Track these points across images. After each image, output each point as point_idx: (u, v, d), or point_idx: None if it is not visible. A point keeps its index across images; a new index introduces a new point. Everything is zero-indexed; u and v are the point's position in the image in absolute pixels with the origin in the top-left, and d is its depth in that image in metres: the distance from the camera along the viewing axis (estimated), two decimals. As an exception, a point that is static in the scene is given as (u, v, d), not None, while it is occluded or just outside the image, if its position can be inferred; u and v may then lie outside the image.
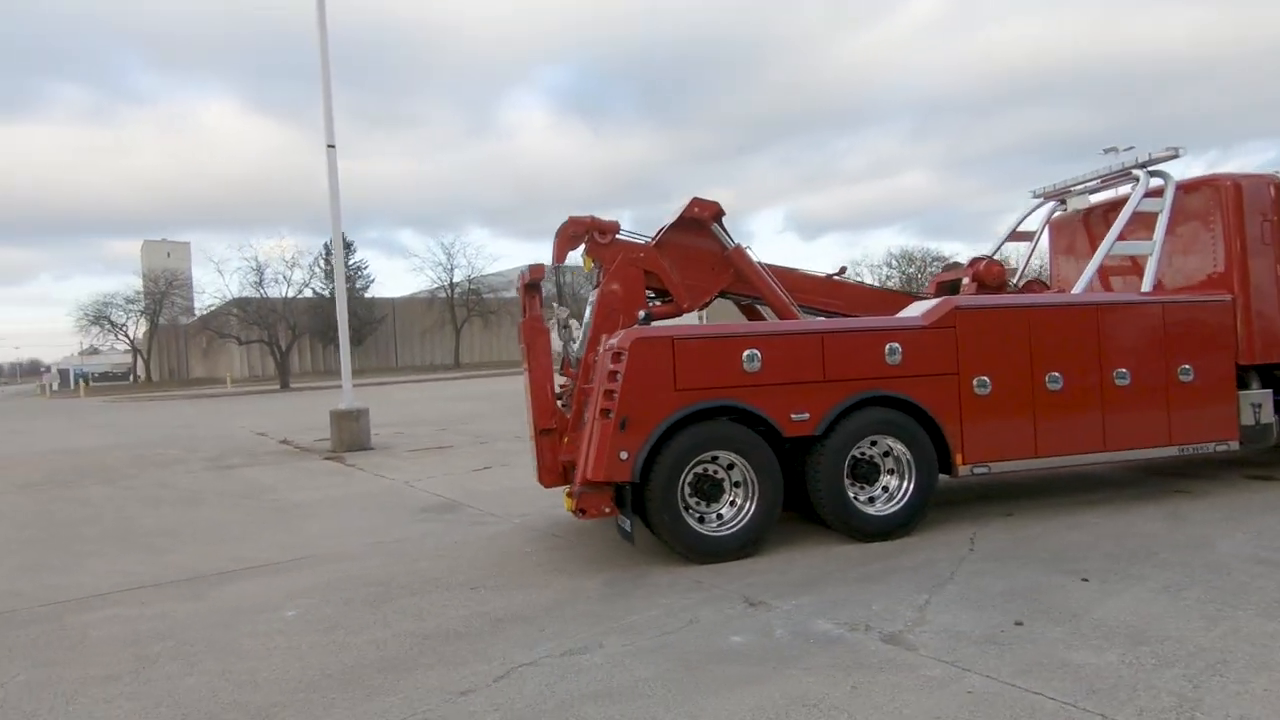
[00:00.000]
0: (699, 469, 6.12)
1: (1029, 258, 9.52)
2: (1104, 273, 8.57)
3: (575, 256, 7.02)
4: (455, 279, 73.22)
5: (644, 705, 3.62)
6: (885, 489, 6.53)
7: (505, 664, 4.18)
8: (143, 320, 74.61)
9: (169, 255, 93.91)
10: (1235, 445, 7.38)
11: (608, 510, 5.94)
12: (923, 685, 3.71)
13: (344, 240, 76.53)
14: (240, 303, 56.28)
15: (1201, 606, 4.55)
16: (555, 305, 6.99)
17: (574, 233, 6.87)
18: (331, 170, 15.44)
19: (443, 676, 4.07)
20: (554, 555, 6.46)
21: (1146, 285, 7.57)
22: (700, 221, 6.97)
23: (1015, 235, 9.46)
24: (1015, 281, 8.50)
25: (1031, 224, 9.46)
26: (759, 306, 7.50)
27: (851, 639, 4.32)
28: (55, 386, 71.36)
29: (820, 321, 6.74)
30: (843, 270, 7.66)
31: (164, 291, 71.48)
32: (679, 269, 7.08)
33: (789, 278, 7.45)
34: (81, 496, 10.86)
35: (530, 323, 6.71)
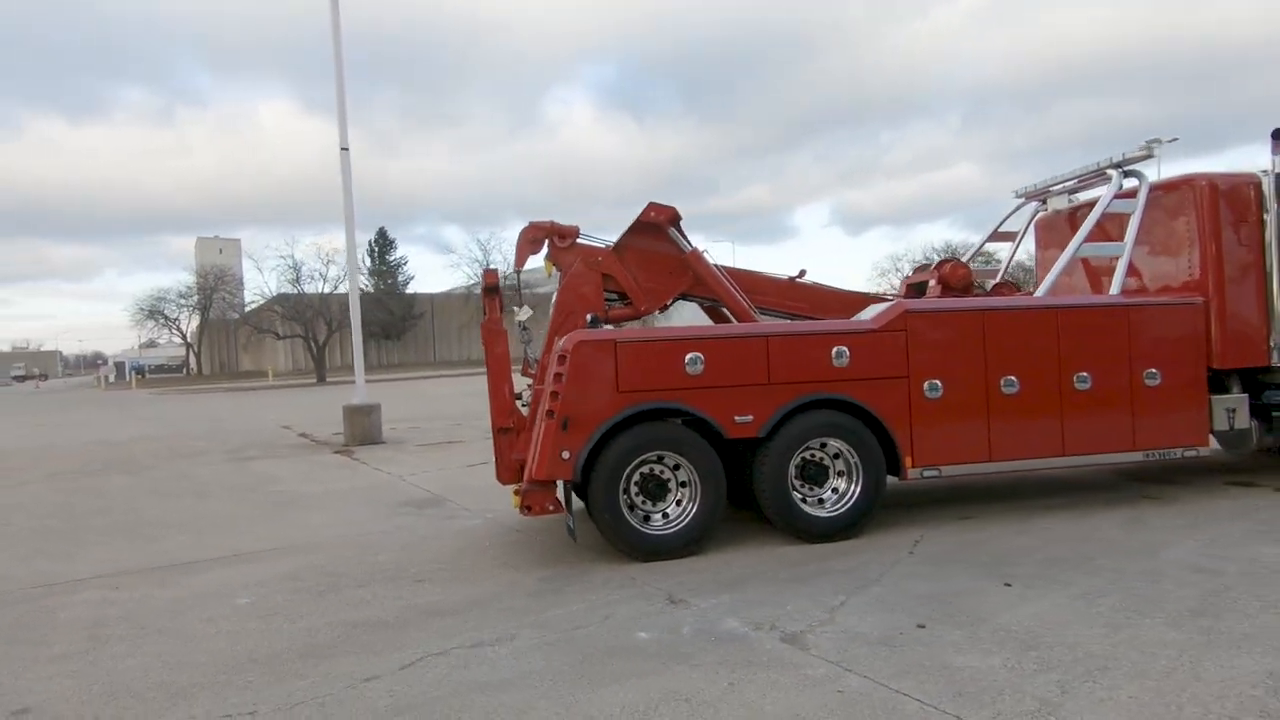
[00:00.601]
0: (645, 469, 6.28)
1: (1010, 258, 9.42)
2: (1093, 274, 8.47)
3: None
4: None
5: (526, 695, 3.82)
6: (835, 490, 6.60)
7: (417, 653, 4.42)
8: (195, 315, 77.35)
9: (220, 252, 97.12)
10: (1205, 451, 7.25)
11: (552, 508, 6.13)
12: (799, 684, 3.83)
13: (385, 237, 77.64)
14: (281, 299, 57.97)
15: (1111, 614, 4.56)
16: (516, 308, 7.19)
17: (534, 237, 7.08)
18: (345, 172, 15.91)
19: (356, 663, 4.33)
20: (508, 550, 6.69)
21: (1115, 288, 7.48)
22: (658, 226, 7.11)
23: (997, 235, 9.38)
24: (985, 282, 8.42)
25: (1014, 224, 9.36)
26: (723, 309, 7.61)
27: (752, 638, 4.44)
28: (112, 379, 74.43)
29: (765, 325, 6.83)
30: (802, 273, 7.71)
31: (214, 287, 73.92)
32: (638, 272, 7.23)
33: (749, 280, 7.54)
34: (102, 487, 11.48)
35: (489, 325, 6.94)
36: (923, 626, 4.49)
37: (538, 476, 6.04)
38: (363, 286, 67.03)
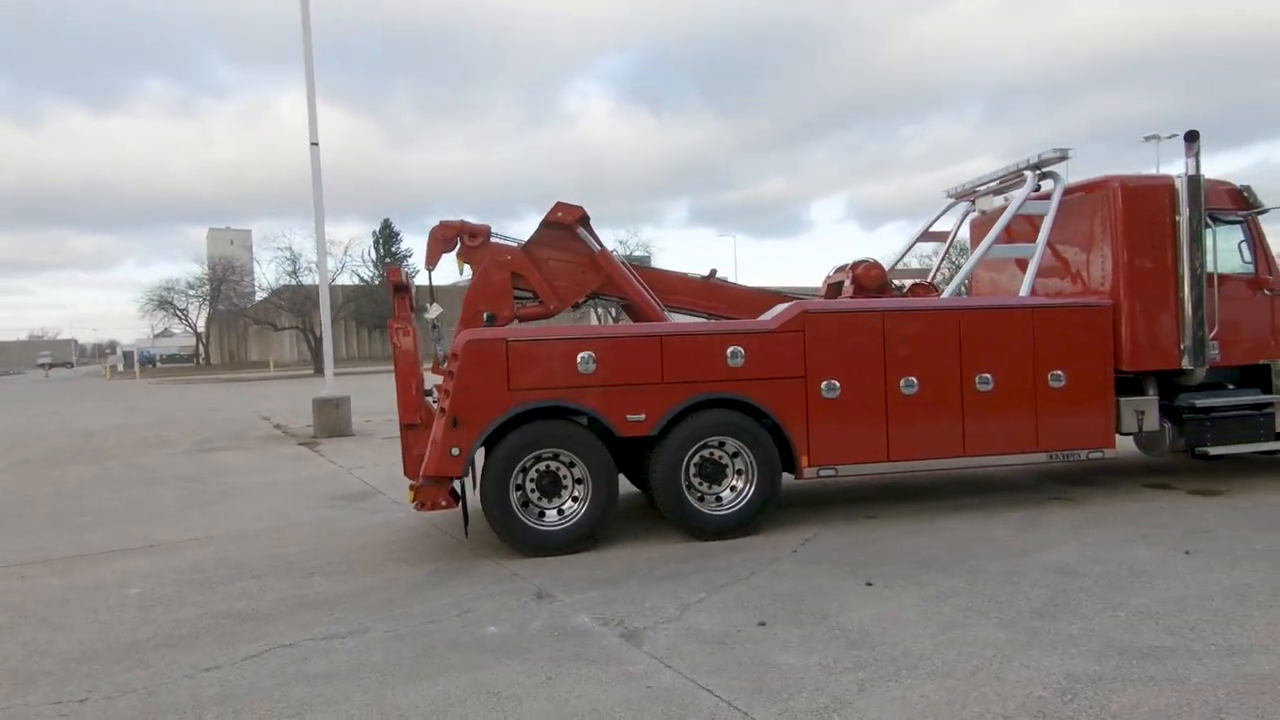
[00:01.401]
0: (542, 465, 6.38)
1: (942, 259, 9.43)
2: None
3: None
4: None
5: (345, 687, 3.93)
6: (734, 489, 6.68)
7: (268, 645, 4.55)
8: (205, 306, 78.10)
9: (231, 243, 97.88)
10: (1111, 452, 7.26)
11: (444, 504, 6.26)
12: (613, 679, 3.92)
13: (389, 229, 77.66)
14: (281, 291, 58.42)
15: (952, 614, 4.62)
16: (428, 305, 7.30)
17: (444, 235, 7.18)
18: (315, 167, 16.05)
19: (206, 654, 4.46)
20: (413, 545, 6.81)
21: (1024, 289, 7.50)
22: (567, 226, 7.19)
23: (928, 235, 9.39)
24: (901, 284, 8.44)
25: (945, 224, 9.37)
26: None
27: (595, 633, 4.54)
28: (121, 368, 75.29)
29: (659, 325, 6.89)
30: (713, 272, 7.77)
31: (222, 278, 74.56)
32: (549, 272, 7.32)
33: (661, 280, 7.62)
34: (59, 476, 11.70)
35: (396, 323, 7.05)
36: (763, 624, 4.57)
37: (428, 472, 6.16)
38: (365, 278, 67.54)
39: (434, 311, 7.22)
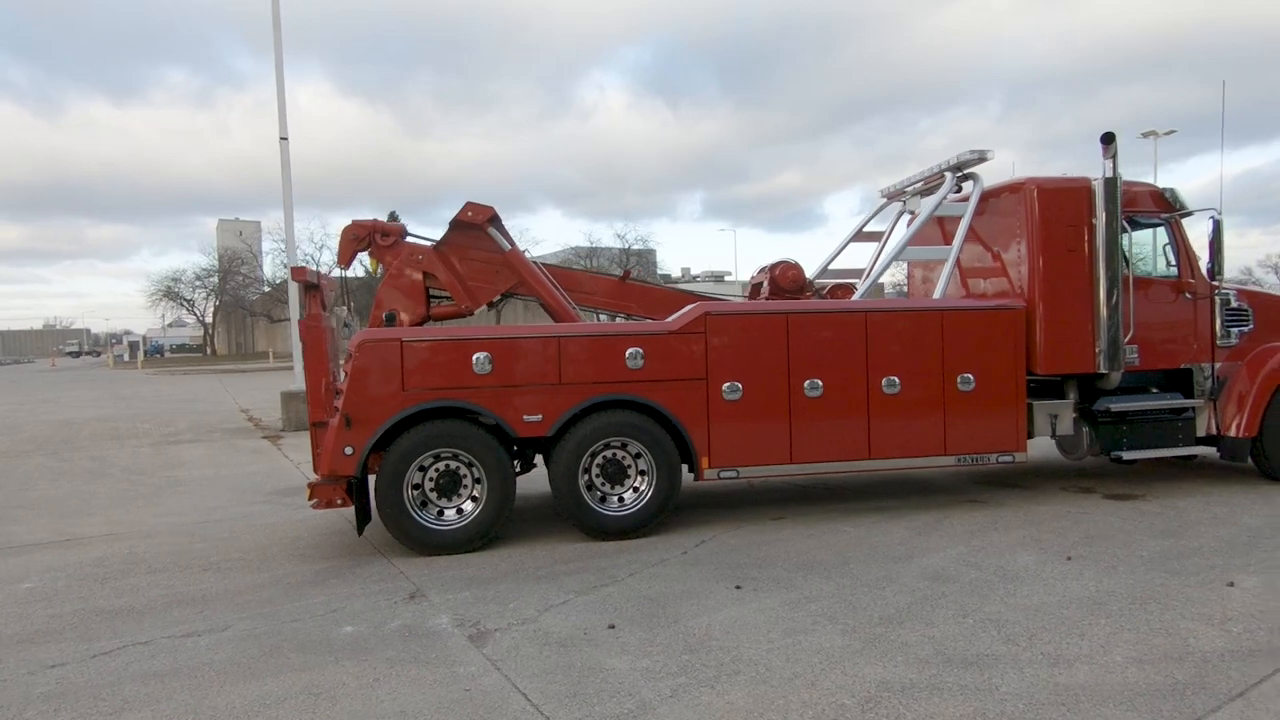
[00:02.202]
0: (441, 465, 6.43)
1: (875, 259, 9.37)
2: (964, 276, 8.40)
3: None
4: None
5: (175, 686, 4.00)
6: (636, 489, 6.70)
7: (123, 641, 4.62)
8: (213, 296, 78.67)
9: (240, 234, 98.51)
10: (1022, 457, 7.23)
11: (340, 502, 6.31)
12: (438, 681, 3.97)
13: (394, 221, 79.13)
14: (284, 283, 58.79)
15: (801, 619, 4.63)
16: (340, 303, 7.35)
17: (357, 235, 7.22)
18: (285, 162, 16.13)
19: (60, 650, 4.54)
20: (318, 542, 6.88)
21: (938, 291, 7.47)
22: (477, 225, 7.21)
23: (862, 235, 9.34)
24: (824, 283, 8.41)
25: (879, 224, 9.33)
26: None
27: (445, 635, 4.59)
28: (127, 358, 75.97)
29: (557, 326, 6.91)
30: (628, 273, 7.78)
31: (227, 269, 75.02)
32: (463, 271, 7.35)
33: (575, 280, 7.65)
34: (15, 468, 11.86)
35: (307, 322, 7.09)
36: (613, 627, 4.60)
37: (321, 471, 6.23)
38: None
39: (341, 311, 7.26)
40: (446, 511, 6.45)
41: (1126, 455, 7.52)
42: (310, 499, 6.33)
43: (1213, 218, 7.49)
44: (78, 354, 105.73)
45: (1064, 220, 7.36)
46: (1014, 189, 7.57)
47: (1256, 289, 8.76)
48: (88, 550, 6.88)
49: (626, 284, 7.76)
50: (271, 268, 59.60)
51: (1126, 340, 7.33)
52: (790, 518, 7.14)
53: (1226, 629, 4.32)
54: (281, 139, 16.15)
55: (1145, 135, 35.68)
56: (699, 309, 6.76)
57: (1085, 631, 4.33)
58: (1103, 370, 7.36)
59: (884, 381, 6.93)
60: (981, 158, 7.60)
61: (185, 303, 78.67)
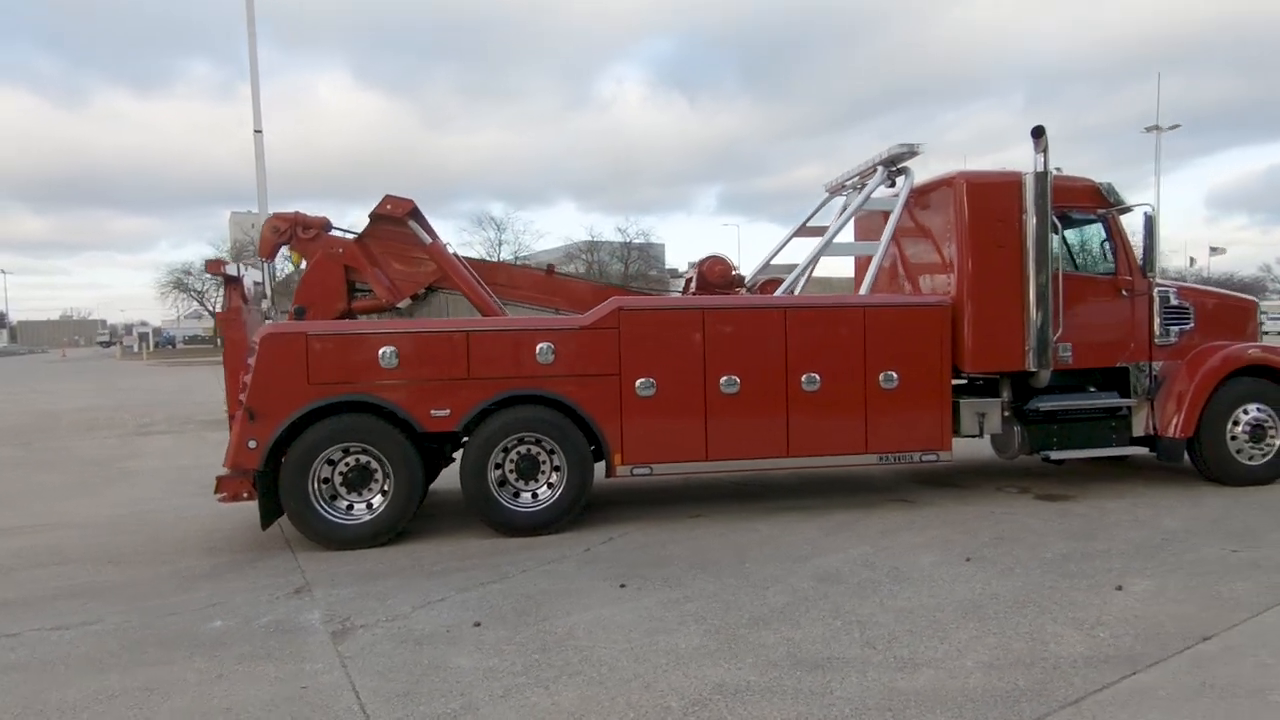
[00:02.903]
0: (351, 459, 6.40)
1: (818, 253, 9.23)
2: (912, 273, 8.28)
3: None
4: (503, 255, 74.63)
5: (18, 680, 4.00)
6: (551, 485, 6.65)
7: (-8, 634, 4.63)
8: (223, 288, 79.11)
9: (253, 226, 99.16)
10: (946, 456, 7.12)
11: (246, 495, 6.30)
12: (279, 678, 3.94)
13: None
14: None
15: (671, 619, 4.57)
16: (265, 298, 7.33)
17: (278, 227, 7.19)
18: (259, 155, 16.20)
19: (-72, 641, 4.55)
20: (233, 536, 6.85)
21: (864, 288, 7.37)
22: (396, 218, 7.17)
23: (805, 230, 9.20)
24: (755, 279, 8.29)
25: (823, 218, 9.19)
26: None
27: (309, 631, 4.57)
28: (135, 349, 76.76)
29: (466, 320, 6.86)
30: (550, 268, 7.72)
31: (236, 261, 75.28)
32: (387, 264, 7.31)
33: (500, 274, 7.60)
34: (-20, 457, 11.98)
35: (227, 314, 7.09)
36: (479, 625, 4.57)
37: (226, 464, 6.22)
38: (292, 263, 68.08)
39: (265, 304, 7.25)
40: (356, 506, 6.43)
41: (1054, 455, 7.40)
42: (217, 492, 6.33)
43: (1145, 213, 7.33)
44: (108, 344, 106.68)
45: (993, 215, 7.22)
46: (945, 183, 7.44)
47: (1198, 287, 8.59)
48: (11, 541, 6.91)
49: (553, 278, 7.71)
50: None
51: (1056, 338, 7.19)
52: (709, 515, 7.07)
53: (1093, 634, 4.22)
54: (256, 132, 16.23)
55: (1149, 130, 35.15)
56: (611, 303, 6.69)
57: (949, 635, 4.24)
58: (1031, 369, 7.23)
59: (803, 378, 6.83)
60: (912, 151, 7.48)
61: (195, 294, 79.35)
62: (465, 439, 6.53)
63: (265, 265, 7.26)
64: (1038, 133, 7.11)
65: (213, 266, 6.99)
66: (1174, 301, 7.74)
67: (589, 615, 4.68)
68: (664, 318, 6.74)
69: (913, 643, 4.16)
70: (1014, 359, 7.24)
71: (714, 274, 7.63)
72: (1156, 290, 7.66)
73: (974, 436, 7.37)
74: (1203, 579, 5.03)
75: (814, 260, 7.57)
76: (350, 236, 7.30)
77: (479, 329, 6.51)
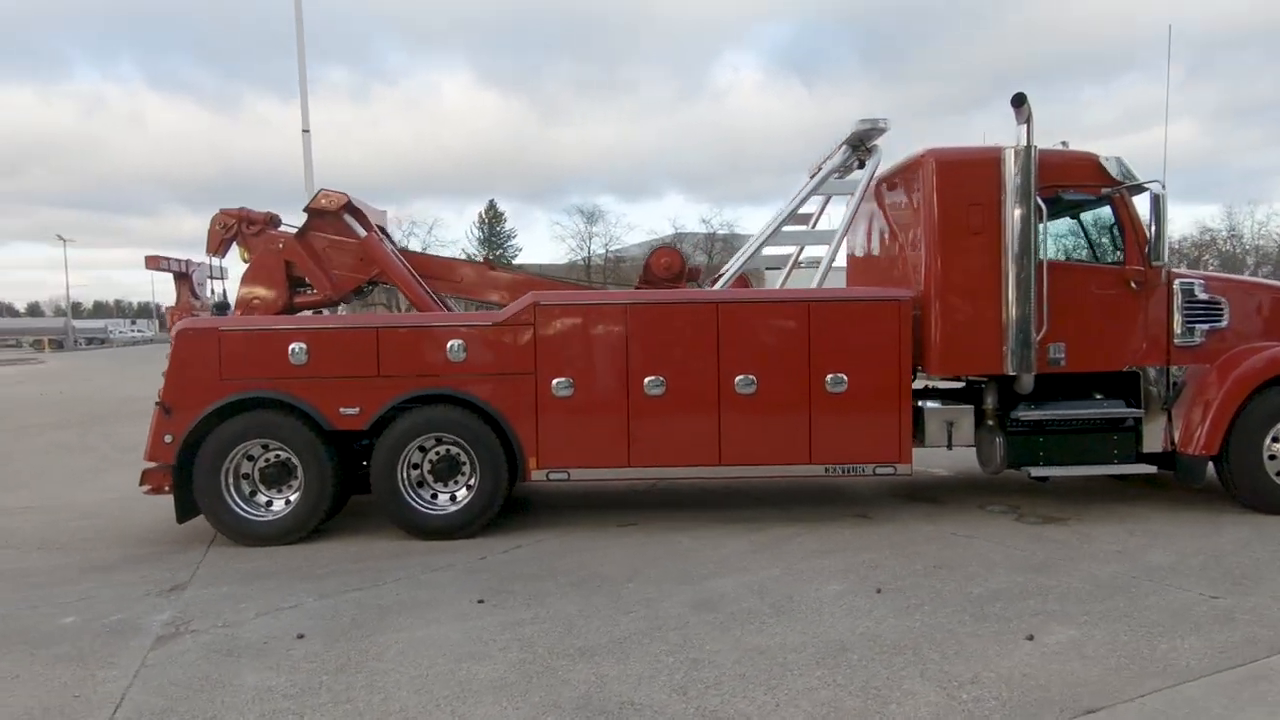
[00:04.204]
0: (272, 455, 6.37)
1: (759, 245, 8.45)
2: (903, 266, 7.52)
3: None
4: (593, 248, 75.10)
5: None
6: (470, 488, 6.39)
7: None
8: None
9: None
10: (905, 469, 6.35)
11: (167, 489, 6.37)
12: (66, 684, 3.87)
13: (494, 209, 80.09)
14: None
15: (498, 643, 4.21)
16: (213, 293, 7.42)
17: (224, 223, 7.25)
18: (306, 154, 16.73)
19: None
20: (171, 529, 6.82)
21: (817, 279, 6.68)
22: (332, 213, 7.07)
23: (793, 218, 8.48)
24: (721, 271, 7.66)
25: (811, 205, 8.45)
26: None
27: (139, 633, 4.50)
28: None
29: (376, 316, 6.69)
30: (486, 258, 7.42)
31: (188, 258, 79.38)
32: (326, 260, 7.24)
33: (440, 267, 7.39)
34: (24, 442, 12.92)
35: (177, 310, 7.22)
36: (301, 637, 4.36)
37: (145, 457, 6.30)
38: (470, 256, 70.41)
39: (213, 299, 7.33)
40: (275, 503, 6.40)
41: (1035, 472, 6.48)
42: (142, 484, 6.43)
43: (1153, 192, 6.25)
44: None
45: (968, 198, 6.35)
46: (912, 164, 6.62)
47: (1237, 278, 7.31)
48: (-18, 522, 7.31)
49: (493, 272, 7.43)
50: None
51: (1040, 337, 6.26)
52: (644, 524, 6.61)
53: (953, 695, 3.54)
54: (304, 131, 16.75)
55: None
56: (528, 299, 6.34)
57: (782, 684, 3.67)
58: (1010, 372, 6.34)
59: (738, 380, 6.25)
60: (876, 127, 6.70)
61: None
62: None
63: (211, 260, 7.33)
64: (1018, 101, 6.19)
65: (152, 262, 7.13)
66: (1201, 295, 6.59)
67: (419, 634, 4.37)
68: (583, 313, 6.31)
69: (735, 690, 3.62)
70: (989, 361, 6.37)
71: (659, 266, 7.12)
72: (1178, 283, 6.55)
73: (942, 448, 6.54)
74: (1144, 632, 4.18)
75: (757, 249, 6.92)
76: (290, 232, 7.28)
77: (388, 325, 6.32)
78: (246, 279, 7.22)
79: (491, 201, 77.76)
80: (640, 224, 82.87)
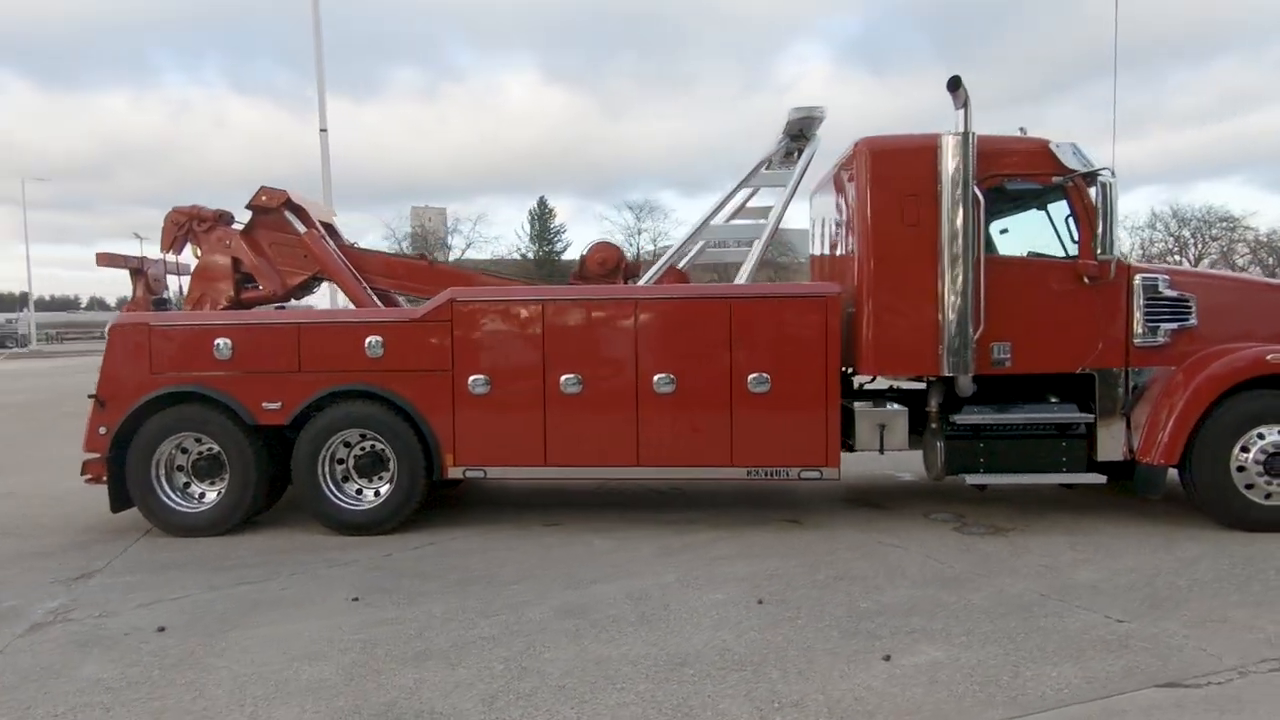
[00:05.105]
0: (204, 447, 6.50)
1: (690, 238, 8.15)
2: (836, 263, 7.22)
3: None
4: (640, 243, 75.01)
5: None
6: (393, 482, 6.39)
7: None
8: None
9: (429, 220, 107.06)
10: (832, 473, 6.06)
11: (104, 478, 6.56)
12: (-81, 668, 3.99)
13: (544, 205, 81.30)
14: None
15: (338, 644, 4.18)
16: (166, 289, 7.61)
17: (177, 221, 7.43)
18: (324, 152, 17.13)
19: None
20: (105, 519, 6.90)
21: (743, 275, 6.44)
22: (272, 210, 7.17)
23: (747, 211, 8.21)
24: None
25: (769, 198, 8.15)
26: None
27: (23, 620, 4.62)
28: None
29: (299, 313, 6.69)
30: (422, 257, 7.40)
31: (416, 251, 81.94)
32: (273, 256, 7.35)
33: (381, 264, 7.42)
34: (46, 427, 13.58)
35: (132, 305, 7.44)
36: (161, 630, 4.42)
37: (83, 449, 6.50)
38: (521, 253, 71.24)
39: (168, 294, 7.53)
40: (209, 495, 6.53)
41: (971, 480, 6.09)
42: (83, 474, 6.64)
43: (1100, 180, 5.78)
44: None
45: (903, 188, 6.01)
46: (852, 154, 6.30)
47: (1210, 272, 6.73)
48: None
49: (435, 268, 7.41)
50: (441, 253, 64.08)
51: (977, 336, 5.88)
52: (568, 524, 6.50)
53: (767, 717, 3.32)
54: (321, 130, 17.14)
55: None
56: (445, 295, 6.29)
57: (594, 699, 3.52)
58: (946, 373, 5.98)
59: (656, 379, 6.07)
60: (811, 115, 6.41)
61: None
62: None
63: (165, 257, 7.52)
64: (954, 85, 5.82)
65: (104, 259, 7.36)
66: (1166, 291, 6.08)
67: (275, 630, 4.37)
68: (500, 310, 6.23)
69: (543, 703, 3.49)
70: (925, 362, 6.02)
71: (593, 262, 6.97)
72: (1140, 278, 6.06)
73: (874, 452, 6.22)
74: (1018, 657, 3.86)
75: (682, 246, 6.70)
76: (237, 229, 7.41)
77: (309, 321, 6.37)
78: (196, 275, 7.39)
79: (541, 198, 78.30)
80: (692, 220, 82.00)
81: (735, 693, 3.56)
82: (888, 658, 3.86)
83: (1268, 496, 5.84)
